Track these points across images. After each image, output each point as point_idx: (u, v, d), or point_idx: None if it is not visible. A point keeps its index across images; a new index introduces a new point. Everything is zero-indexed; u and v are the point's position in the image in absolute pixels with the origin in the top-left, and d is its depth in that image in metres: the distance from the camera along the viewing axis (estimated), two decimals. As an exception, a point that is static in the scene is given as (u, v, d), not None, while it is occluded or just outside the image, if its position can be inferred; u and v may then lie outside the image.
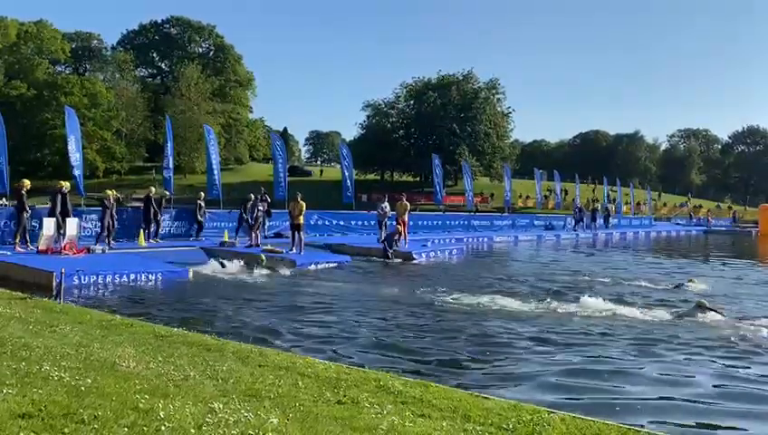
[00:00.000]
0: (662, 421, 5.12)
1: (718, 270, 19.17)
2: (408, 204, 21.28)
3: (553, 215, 42.75)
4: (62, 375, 4.48)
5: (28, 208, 15.51)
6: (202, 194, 20.69)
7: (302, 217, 17.61)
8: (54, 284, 10.13)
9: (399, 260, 17.91)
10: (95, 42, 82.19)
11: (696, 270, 18.33)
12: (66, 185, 16.66)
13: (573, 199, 46.09)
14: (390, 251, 18.12)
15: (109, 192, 17.59)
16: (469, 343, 7.79)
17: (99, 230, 16.88)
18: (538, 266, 18.61)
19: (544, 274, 16.15)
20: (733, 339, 8.34)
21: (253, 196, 19.74)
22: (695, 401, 5.78)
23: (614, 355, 7.34)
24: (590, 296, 10.99)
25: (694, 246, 33.65)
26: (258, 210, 18.90)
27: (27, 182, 15.95)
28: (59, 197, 15.85)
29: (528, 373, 6.55)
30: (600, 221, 39.84)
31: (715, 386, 6.26)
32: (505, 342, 7.99)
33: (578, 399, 5.66)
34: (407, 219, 20.64)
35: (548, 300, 10.98)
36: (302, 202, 17.64)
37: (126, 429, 3.45)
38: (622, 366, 6.87)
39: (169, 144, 22.15)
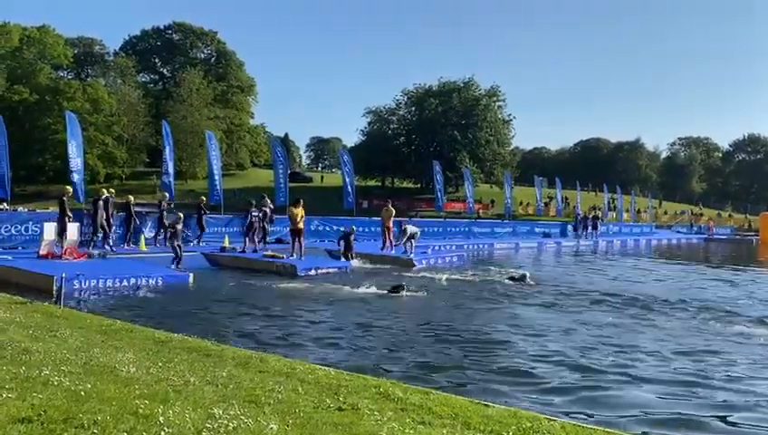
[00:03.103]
0: None
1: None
2: (393, 210, 21.26)
3: (554, 222, 42.70)
4: (62, 380, 4.47)
5: (70, 214, 15.76)
6: (268, 200, 20.72)
7: (302, 223, 17.62)
8: (55, 288, 10.13)
9: (398, 268, 17.89)
10: (97, 47, 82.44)
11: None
12: (105, 192, 17.51)
13: (575, 207, 46.10)
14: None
15: (131, 197, 18.28)
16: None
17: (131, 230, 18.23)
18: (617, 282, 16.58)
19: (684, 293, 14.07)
20: None
21: (257, 201, 19.95)
22: None
23: None
24: None
25: (716, 255, 32.76)
26: (253, 216, 18.88)
27: (69, 189, 16.51)
28: (101, 203, 16.58)
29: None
30: (599, 229, 39.84)
31: None
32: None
33: None
34: (391, 225, 20.65)
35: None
36: (302, 208, 17.66)
37: (125, 434, 3.44)
38: None
39: (168, 149, 22.12)
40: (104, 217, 16.84)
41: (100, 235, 16.87)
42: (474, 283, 15.02)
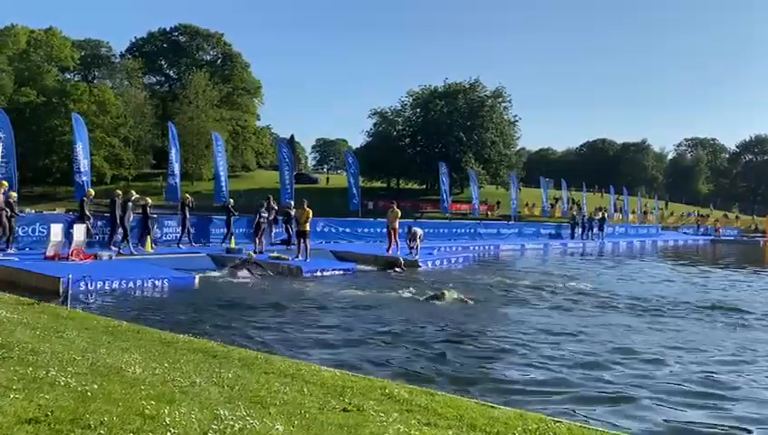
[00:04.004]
0: None
1: None
2: (399, 211, 21.24)
3: (559, 223, 42.47)
4: (69, 380, 4.48)
5: (89, 215, 16.18)
6: (292, 202, 21.00)
7: (308, 225, 17.63)
8: (61, 289, 10.17)
9: (404, 269, 17.85)
10: (104, 49, 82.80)
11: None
12: (134, 193, 17.92)
13: (580, 208, 45.97)
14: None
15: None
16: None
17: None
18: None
19: None
20: None
21: (265, 202, 20.10)
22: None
23: None
24: None
25: (726, 256, 32.36)
26: (262, 217, 19.03)
27: (92, 191, 17.08)
28: (130, 204, 16.86)
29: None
30: (605, 230, 39.61)
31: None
32: None
33: None
34: (397, 226, 20.63)
35: None
36: (308, 209, 17.68)
37: (132, 434, 3.45)
38: None
39: (174, 151, 22.08)
40: (131, 218, 16.98)
41: (120, 235, 16.98)
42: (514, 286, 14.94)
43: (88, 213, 16.30)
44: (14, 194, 15.60)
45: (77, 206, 17.69)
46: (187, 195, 20.23)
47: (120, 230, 16.78)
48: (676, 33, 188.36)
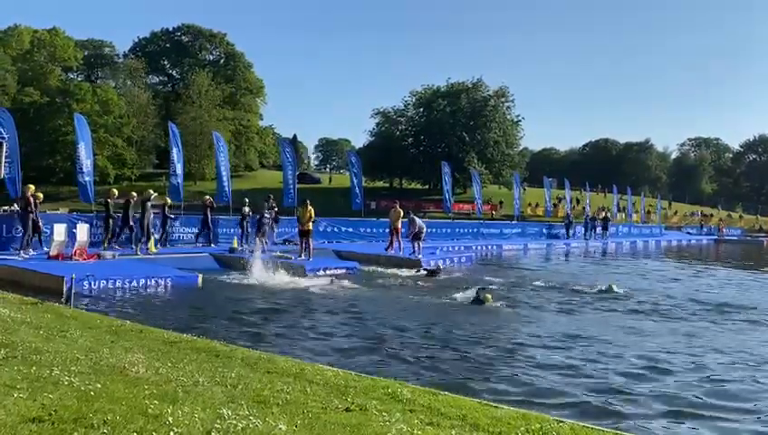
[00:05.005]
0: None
1: None
2: (402, 211, 21.25)
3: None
4: (73, 380, 4.49)
5: (114, 215, 16.74)
6: (314, 207, 21.16)
7: (310, 224, 17.64)
8: (65, 289, 10.19)
9: (406, 270, 17.81)
10: (107, 49, 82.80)
11: None
12: (151, 192, 17.79)
13: (584, 208, 45.84)
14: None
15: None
16: None
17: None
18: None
19: None
20: None
21: (267, 202, 20.14)
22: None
23: None
24: None
25: (736, 257, 31.93)
26: (265, 217, 19.10)
27: (115, 191, 17.72)
28: (148, 205, 17.02)
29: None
30: (609, 230, 39.53)
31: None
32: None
33: None
34: (399, 226, 20.64)
35: None
36: (310, 208, 17.69)
37: (135, 433, 3.46)
38: None
39: (176, 150, 22.06)
40: (151, 218, 17.04)
41: (126, 234, 17.03)
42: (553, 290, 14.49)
43: (113, 213, 16.66)
44: (41, 195, 15.92)
45: (80, 206, 17.87)
46: (208, 196, 20.36)
47: (126, 230, 16.90)
48: (676, 33, 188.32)
